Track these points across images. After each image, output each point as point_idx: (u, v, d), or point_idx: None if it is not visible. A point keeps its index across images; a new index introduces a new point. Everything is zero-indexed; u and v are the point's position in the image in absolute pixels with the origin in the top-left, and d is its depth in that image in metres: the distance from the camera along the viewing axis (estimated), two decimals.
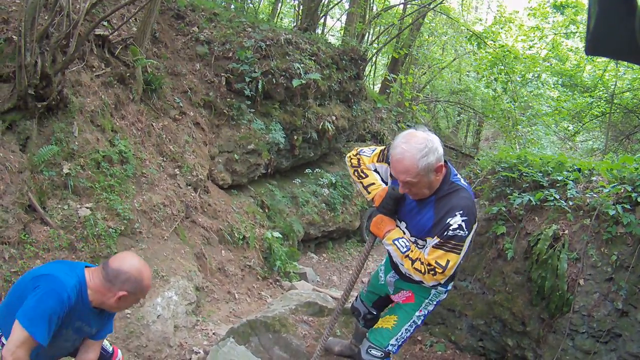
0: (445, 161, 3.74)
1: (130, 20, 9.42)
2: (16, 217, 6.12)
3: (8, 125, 6.67)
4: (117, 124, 8.23)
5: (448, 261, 3.66)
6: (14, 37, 6.94)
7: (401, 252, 3.92)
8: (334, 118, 12.88)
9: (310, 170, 12.80)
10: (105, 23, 8.87)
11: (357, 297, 5.27)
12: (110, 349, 4.47)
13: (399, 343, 4.44)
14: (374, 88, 24.44)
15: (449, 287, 4.40)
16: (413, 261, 3.82)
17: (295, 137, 11.78)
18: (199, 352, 6.39)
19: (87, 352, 3.84)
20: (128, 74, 8.80)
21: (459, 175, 3.87)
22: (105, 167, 7.43)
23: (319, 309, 6.58)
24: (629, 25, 1.46)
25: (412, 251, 3.89)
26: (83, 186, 7.02)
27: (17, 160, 6.49)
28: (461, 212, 3.61)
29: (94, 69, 8.30)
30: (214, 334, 6.98)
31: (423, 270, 3.75)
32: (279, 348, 5.69)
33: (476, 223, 3.76)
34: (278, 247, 10.21)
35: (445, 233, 3.63)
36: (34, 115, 6.84)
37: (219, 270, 8.70)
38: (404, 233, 4.07)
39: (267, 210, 11.08)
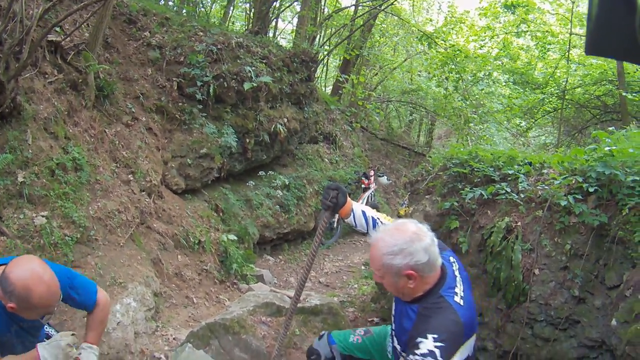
0: (442, 268, 3.35)
1: (83, 25, 9.39)
2: None
3: None
4: (71, 130, 8.19)
5: None
6: None
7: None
8: (285, 120, 12.99)
9: (263, 173, 12.90)
10: (58, 29, 8.81)
11: (320, 337, 4.51)
12: None
13: None
14: (325, 90, 24.67)
15: None
16: None
17: (248, 140, 11.85)
18: (160, 357, 6.46)
19: (90, 313, 3.91)
20: (80, 80, 8.74)
21: (457, 290, 3.30)
22: (60, 174, 7.40)
23: (276, 309, 6.66)
24: (629, 26, 1.49)
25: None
26: (38, 194, 6.99)
27: None
28: (436, 336, 3.02)
29: (46, 76, 8.24)
30: (174, 339, 7.03)
31: None
32: (239, 349, 5.87)
33: (459, 353, 3.11)
34: (234, 250, 10.31)
35: (412, 356, 3.04)
36: None
37: (176, 275, 8.75)
38: (393, 339, 3.82)
39: (221, 214, 11.15)
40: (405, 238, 3.17)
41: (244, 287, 9.78)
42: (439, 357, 2.94)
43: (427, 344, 3.00)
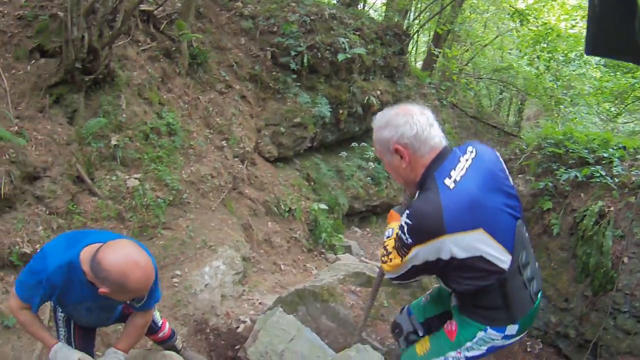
0: (442, 150, 2.92)
1: None
2: (64, 188, 6.09)
3: (55, 98, 6.67)
4: (164, 97, 8.18)
5: (392, 258, 3.00)
6: (59, 13, 6.91)
7: (384, 239, 3.36)
8: (378, 93, 12.57)
9: (356, 144, 12.53)
10: None
11: (402, 310, 4.17)
12: (160, 322, 4.41)
13: None
14: (415, 65, 24.11)
15: (507, 332, 3.17)
16: (384, 247, 3.23)
17: (341, 112, 11.53)
18: (246, 321, 6.23)
19: (135, 317, 3.60)
20: (174, 48, 8.74)
21: (453, 173, 2.84)
22: (154, 138, 7.40)
23: (366, 279, 6.40)
24: (629, 26, 1.43)
25: (389, 238, 3.28)
26: (131, 157, 6.98)
27: (64, 132, 6.47)
28: (408, 212, 2.80)
29: (139, 44, 8.26)
30: (260, 303, 6.87)
31: (380, 254, 3.23)
32: (326, 317, 5.63)
33: (432, 245, 2.76)
34: (323, 219, 10.06)
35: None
36: (81, 88, 6.81)
37: (265, 242, 8.60)
38: None
39: (312, 184, 10.93)
40: (394, 113, 2.90)
41: (332, 256, 9.52)
42: (405, 233, 2.78)
43: (403, 218, 2.82)
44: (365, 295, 6.10)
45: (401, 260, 2.92)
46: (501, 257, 2.83)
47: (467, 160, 2.90)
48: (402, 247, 2.87)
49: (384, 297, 6.05)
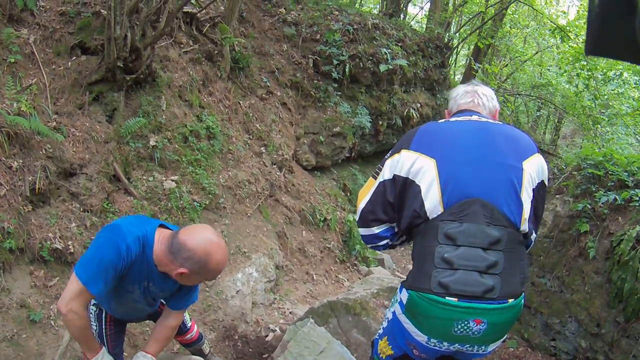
0: (464, 108, 3.26)
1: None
2: (100, 186, 5.99)
3: (95, 96, 6.59)
4: (205, 100, 8.08)
5: (365, 186, 3.17)
6: (102, 11, 6.84)
7: None
8: (418, 105, 12.36)
9: None
10: (194, 1, 8.74)
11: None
12: (189, 323, 4.38)
13: None
14: (455, 78, 23.80)
15: (399, 300, 3.09)
16: None
17: (380, 123, 11.34)
18: (275, 330, 6.17)
19: (167, 318, 3.53)
20: (216, 52, 8.64)
21: (452, 118, 3.21)
22: (193, 141, 7.28)
23: None
24: (629, 26, 1.37)
25: None
26: (169, 159, 6.86)
27: (103, 130, 6.38)
28: None
29: (182, 46, 8.19)
30: (290, 312, 6.79)
31: None
32: (357, 331, 5.49)
33: (398, 152, 2.97)
34: (358, 231, 9.70)
35: None
36: (121, 87, 6.73)
37: (298, 251, 8.44)
38: None
39: (348, 194, 10.71)
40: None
41: (364, 269, 9.28)
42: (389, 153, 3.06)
43: None
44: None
45: (374, 180, 3.07)
46: (431, 201, 2.79)
47: (475, 119, 3.07)
48: (379, 167, 3.07)
49: None
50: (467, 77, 20.11)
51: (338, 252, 9.27)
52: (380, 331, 3.41)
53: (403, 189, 2.90)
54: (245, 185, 7.79)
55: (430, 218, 2.79)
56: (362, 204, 3.13)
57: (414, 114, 11.96)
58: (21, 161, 5.32)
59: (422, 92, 13.01)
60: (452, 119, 3.12)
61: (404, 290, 2.96)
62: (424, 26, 16.33)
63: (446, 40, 14.14)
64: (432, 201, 2.77)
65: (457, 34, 18.65)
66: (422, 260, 2.84)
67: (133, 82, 6.86)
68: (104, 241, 2.98)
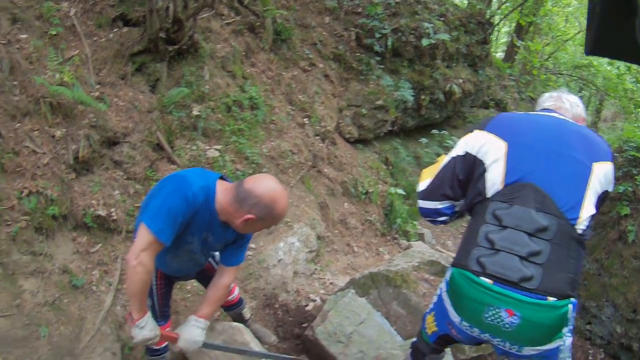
0: (545, 108, 3.35)
1: None
2: (143, 154, 5.95)
3: (137, 67, 6.58)
4: (248, 71, 7.98)
5: (435, 163, 3.24)
6: None
7: None
8: (460, 81, 12.00)
9: (436, 131, 11.97)
10: None
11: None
12: (231, 285, 4.14)
13: None
14: (497, 55, 23.36)
15: (446, 278, 3.02)
16: None
17: (422, 97, 11.02)
18: (316, 300, 6.05)
19: (220, 277, 3.56)
20: (258, 24, 8.55)
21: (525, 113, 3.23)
22: (236, 111, 7.19)
23: (440, 269, 6.05)
24: (629, 25, 1.37)
25: None
26: (212, 128, 6.79)
27: (146, 100, 6.35)
28: None
29: (223, 17, 8.14)
30: (331, 283, 6.64)
31: None
32: (397, 303, 5.39)
33: (471, 132, 3.03)
34: (399, 205, 9.60)
35: None
36: (164, 58, 6.70)
37: (340, 222, 8.29)
38: None
39: (390, 168, 10.48)
40: None
41: (404, 243, 9.04)
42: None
43: None
44: (438, 285, 5.80)
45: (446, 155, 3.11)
46: (493, 182, 2.80)
47: (555, 115, 3.07)
48: (454, 146, 3.09)
49: None
50: (509, 54, 19.79)
51: (379, 225, 9.10)
52: (431, 306, 3.40)
53: (472, 167, 2.91)
54: (288, 155, 7.67)
55: (487, 197, 2.80)
56: (429, 177, 3.15)
57: (456, 90, 11.64)
58: (64, 130, 5.29)
59: (464, 68, 12.68)
60: (532, 113, 3.17)
61: (449, 268, 2.92)
62: (467, 2, 15.94)
63: (488, 16, 13.76)
64: (494, 182, 2.77)
65: (499, 11, 18.20)
66: (467, 238, 2.83)
67: (175, 53, 6.85)
68: (171, 190, 3.01)
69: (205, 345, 3.60)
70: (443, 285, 3.01)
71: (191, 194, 2.97)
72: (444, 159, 3.08)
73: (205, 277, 3.94)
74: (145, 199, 3.30)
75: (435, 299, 3.28)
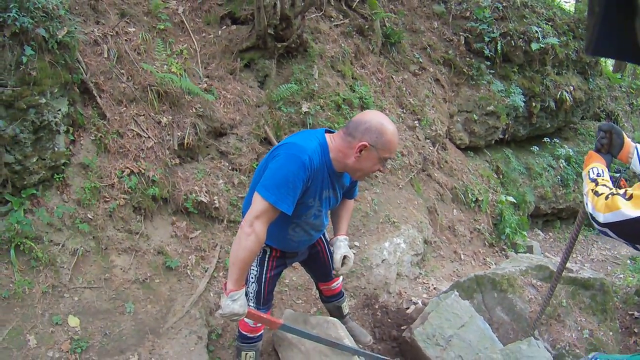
0: None
1: None
2: (250, 146, 5.87)
3: (246, 62, 6.59)
4: (357, 72, 7.72)
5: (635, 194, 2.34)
6: None
7: (589, 177, 2.84)
8: (571, 88, 11.05)
9: (548, 140, 11.21)
10: None
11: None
12: None
13: None
14: (605, 62, 22.07)
15: None
16: (597, 185, 2.67)
17: (534, 104, 10.21)
18: (417, 303, 5.66)
19: (345, 203, 3.75)
20: (366, 26, 8.30)
21: None
22: (345, 109, 6.92)
23: (549, 274, 5.51)
24: (629, 25, 1.19)
25: (603, 178, 2.78)
26: (322, 125, 6.53)
27: (254, 95, 6.30)
28: None
29: (332, 19, 8.00)
30: (434, 288, 6.25)
31: (607, 194, 2.46)
32: (501, 309, 5.07)
33: None
34: (509, 214, 8.94)
35: None
36: (273, 55, 6.66)
37: (448, 228, 7.80)
38: None
39: (501, 177, 9.77)
40: None
41: (512, 255, 8.38)
42: None
43: None
44: (546, 291, 5.26)
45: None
46: None
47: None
48: None
49: (563, 296, 5.32)
50: (619, 65, 18.59)
51: (487, 235, 8.53)
52: None
53: None
54: (399, 157, 7.29)
55: None
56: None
57: (567, 97, 10.74)
58: (170, 117, 5.24)
59: (575, 75, 11.68)
60: None
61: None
62: (574, 6, 15.05)
63: None
64: None
65: None
66: None
67: (284, 51, 6.77)
68: (285, 158, 2.93)
69: (299, 333, 3.70)
70: None
71: (307, 157, 2.89)
72: None
73: (315, 261, 3.97)
74: (257, 169, 3.24)
75: None
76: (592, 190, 2.60)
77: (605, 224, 2.36)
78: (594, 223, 2.45)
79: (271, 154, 3.12)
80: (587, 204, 2.60)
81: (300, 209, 3.12)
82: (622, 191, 2.39)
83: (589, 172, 2.87)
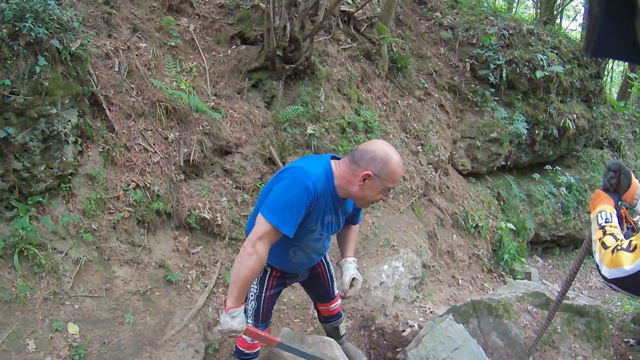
0: None
1: (374, 0, 9.09)
2: (254, 166, 5.93)
3: (254, 83, 6.67)
4: (363, 95, 7.81)
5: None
6: (261, 4, 7.13)
7: (598, 223, 2.73)
8: (574, 117, 11.11)
9: (549, 167, 11.26)
10: (350, 1, 8.66)
11: None
12: (336, 291, 4.28)
13: None
14: (609, 90, 22.07)
15: None
16: (605, 234, 2.58)
17: (537, 132, 10.27)
18: (413, 326, 5.67)
19: (350, 227, 3.78)
20: (374, 51, 8.41)
21: None
22: (350, 132, 7.01)
23: (545, 301, 5.59)
24: (629, 25, 1.17)
25: (611, 225, 2.67)
26: (326, 148, 6.62)
27: (261, 115, 6.37)
28: None
29: (340, 43, 8.10)
30: (431, 312, 6.31)
31: (612, 248, 2.41)
32: (496, 334, 5.11)
33: None
34: (509, 241, 8.99)
35: None
36: (280, 76, 6.72)
37: (447, 253, 7.84)
38: None
39: (502, 203, 9.82)
40: None
41: (510, 281, 8.39)
42: None
43: None
44: (541, 318, 5.44)
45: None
46: None
47: None
48: None
49: (558, 323, 5.41)
50: (623, 92, 18.65)
51: (486, 261, 8.58)
52: None
53: None
54: (400, 181, 7.30)
55: None
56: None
57: (570, 125, 10.81)
58: (177, 134, 5.32)
59: (579, 103, 11.75)
60: None
61: None
62: (580, 34, 15.23)
63: None
64: None
65: None
66: None
67: (292, 72, 6.86)
68: (290, 181, 2.99)
69: (295, 351, 3.70)
70: None
71: (311, 182, 2.95)
72: None
73: (315, 282, 4.02)
74: (262, 191, 3.33)
75: None
76: (600, 240, 2.59)
77: (611, 279, 2.39)
78: (600, 276, 2.48)
79: (277, 176, 3.17)
80: (594, 253, 2.61)
81: (302, 232, 3.15)
82: (626, 243, 2.38)
83: (597, 216, 2.82)
